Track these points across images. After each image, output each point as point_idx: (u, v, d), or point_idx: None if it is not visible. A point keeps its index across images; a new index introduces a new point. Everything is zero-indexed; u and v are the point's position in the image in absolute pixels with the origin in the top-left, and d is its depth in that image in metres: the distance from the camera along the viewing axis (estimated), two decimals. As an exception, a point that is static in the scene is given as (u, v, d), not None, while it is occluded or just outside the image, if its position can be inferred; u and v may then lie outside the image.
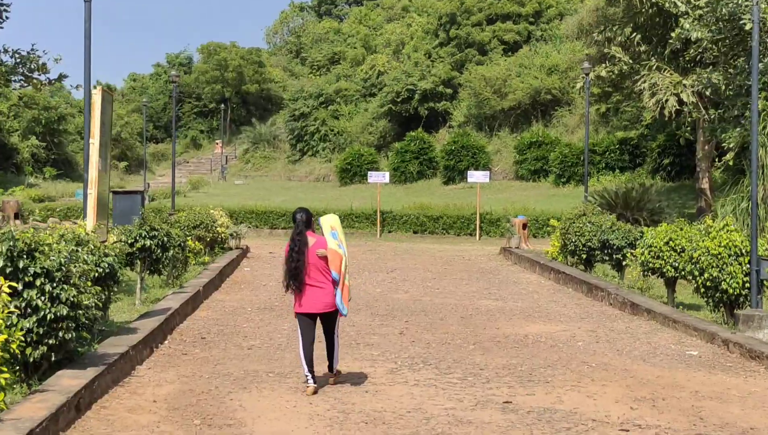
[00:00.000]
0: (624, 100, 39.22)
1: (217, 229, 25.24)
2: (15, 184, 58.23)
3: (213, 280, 19.85)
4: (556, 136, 55.59)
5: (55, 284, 9.35)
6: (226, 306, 17.49)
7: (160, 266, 16.88)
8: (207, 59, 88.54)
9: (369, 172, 41.61)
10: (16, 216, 39.04)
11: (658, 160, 47.13)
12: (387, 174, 41.44)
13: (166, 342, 13.30)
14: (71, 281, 9.49)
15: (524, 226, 31.40)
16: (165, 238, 16.71)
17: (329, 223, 10.50)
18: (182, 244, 18.70)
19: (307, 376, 10.27)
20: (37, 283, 9.20)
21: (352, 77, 76.60)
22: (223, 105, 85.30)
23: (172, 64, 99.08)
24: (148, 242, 16.32)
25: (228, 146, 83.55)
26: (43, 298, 9.19)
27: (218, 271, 21.13)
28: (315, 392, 10.19)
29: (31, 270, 9.15)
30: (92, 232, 11.82)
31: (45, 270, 9.22)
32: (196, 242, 21.30)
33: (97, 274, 11.30)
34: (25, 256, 9.17)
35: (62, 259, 9.42)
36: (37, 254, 9.26)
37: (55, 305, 9.30)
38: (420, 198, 47.87)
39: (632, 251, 19.23)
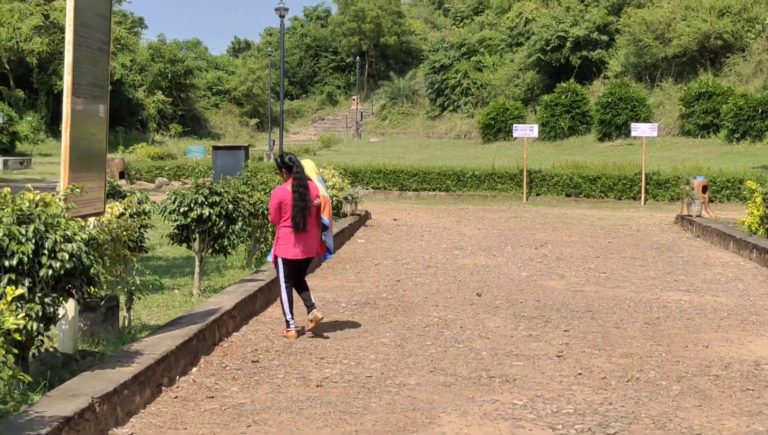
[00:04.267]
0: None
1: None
2: (139, 141, 55.23)
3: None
4: (728, 86, 49.00)
5: None
6: (315, 298, 12.73)
7: (225, 243, 12.28)
8: (344, 10, 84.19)
9: (514, 126, 36.19)
10: (122, 175, 35.52)
11: None
12: (535, 127, 35.90)
13: (194, 369, 8.60)
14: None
15: (704, 188, 25.62)
16: (230, 206, 12.07)
17: (313, 169, 10.68)
18: (263, 211, 14.04)
19: (290, 321, 10.26)
20: None
21: (497, 26, 70.98)
22: (360, 59, 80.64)
23: (309, 17, 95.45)
24: (206, 211, 11.73)
25: (365, 102, 79.06)
26: None
27: (318, 246, 16.40)
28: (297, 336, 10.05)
29: None
30: (61, 198, 7.18)
31: None
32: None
33: (52, 273, 6.65)
34: None
35: None
36: None
37: None
38: (572, 156, 42.31)
39: None
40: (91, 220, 8.30)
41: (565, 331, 10.78)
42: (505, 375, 8.62)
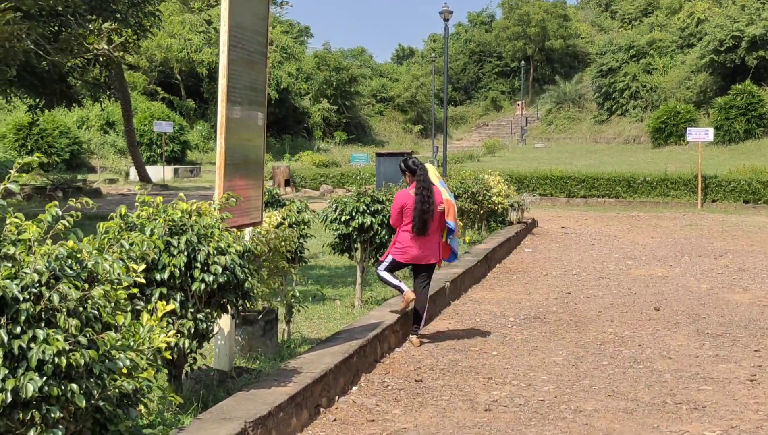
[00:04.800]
0: None
1: (492, 198, 19.85)
2: (305, 148, 55.77)
3: (472, 269, 14.56)
4: None
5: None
6: (480, 312, 12.13)
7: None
8: (508, 14, 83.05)
9: (688, 129, 34.57)
10: (287, 183, 35.80)
11: None
12: (711, 130, 34.14)
13: (354, 389, 8.12)
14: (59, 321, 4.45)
15: None
16: (392, 214, 11.58)
17: (434, 173, 10.37)
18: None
19: (401, 287, 10.08)
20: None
21: (667, 27, 68.65)
22: (524, 63, 79.42)
23: (473, 23, 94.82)
24: (368, 220, 11.30)
25: (529, 107, 77.79)
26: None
27: (483, 256, 15.80)
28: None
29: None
30: (216, 207, 6.82)
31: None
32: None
33: (204, 287, 6.28)
34: None
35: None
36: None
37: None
38: (749, 160, 40.29)
39: None
40: (248, 230, 7.94)
41: (755, 351, 9.84)
42: (692, 401, 7.81)
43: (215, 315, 6.57)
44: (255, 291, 6.93)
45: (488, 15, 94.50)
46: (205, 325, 6.41)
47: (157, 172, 42.08)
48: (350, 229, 11.41)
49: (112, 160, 47.19)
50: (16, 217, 4.61)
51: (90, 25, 11.67)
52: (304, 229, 9.55)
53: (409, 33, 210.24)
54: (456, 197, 17.67)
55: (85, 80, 21.67)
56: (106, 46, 11.23)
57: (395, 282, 10.13)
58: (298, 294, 9.35)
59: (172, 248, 6.28)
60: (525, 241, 20.75)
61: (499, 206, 20.42)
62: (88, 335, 4.35)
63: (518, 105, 77.12)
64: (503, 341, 10.27)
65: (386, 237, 11.46)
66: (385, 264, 10.24)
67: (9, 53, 9.82)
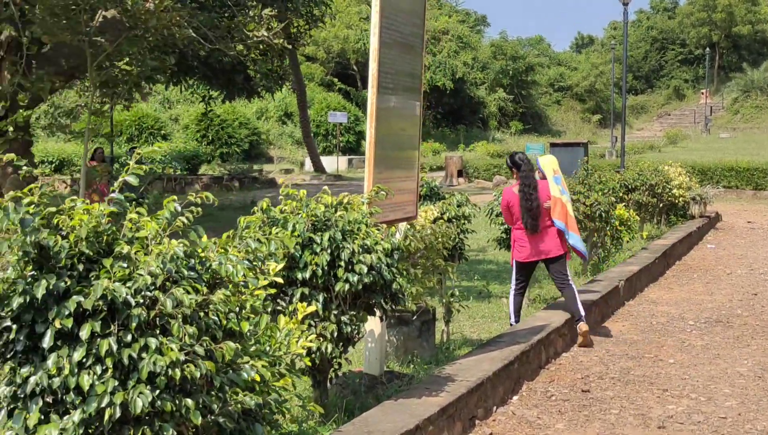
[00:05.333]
0: None
1: (672, 191, 18.76)
2: (480, 139, 55.13)
3: (649, 266, 13.67)
4: None
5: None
6: (656, 313, 11.29)
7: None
8: (693, 0, 79.97)
9: None
10: (460, 173, 35.31)
11: None
12: None
13: (514, 398, 7.51)
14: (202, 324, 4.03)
15: None
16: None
17: (551, 166, 9.80)
18: (600, 214, 12.77)
19: (512, 323, 9.46)
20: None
21: None
22: (709, 50, 76.24)
23: (656, 9, 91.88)
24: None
25: (714, 96, 74.67)
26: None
27: (662, 252, 14.85)
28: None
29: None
30: (365, 201, 6.33)
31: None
32: (630, 211, 15.13)
33: (348, 288, 5.81)
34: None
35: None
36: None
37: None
38: None
39: None
40: (402, 225, 7.45)
41: None
42: None
43: (361, 317, 6.11)
44: (405, 292, 6.42)
45: (671, 1, 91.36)
46: (349, 329, 5.96)
47: (332, 163, 42.32)
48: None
49: (290, 151, 47.79)
50: (137, 212, 4.25)
51: (251, 12, 11.46)
52: (464, 224, 8.99)
53: (589, 21, 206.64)
54: (633, 190, 16.78)
55: (259, 71, 21.74)
56: (266, 34, 10.96)
57: (512, 314, 9.63)
58: (457, 293, 8.83)
59: (314, 245, 5.85)
60: (707, 237, 19.56)
61: (680, 199, 19.31)
62: (205, 345, 3.93)
63: (702, 94, 74.08)
64: (681, 347, 9.44)
65: (555, 232, 10.79)
66: (513, 274, 9.75)
67: (168, 41, 9.72)
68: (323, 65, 57.47)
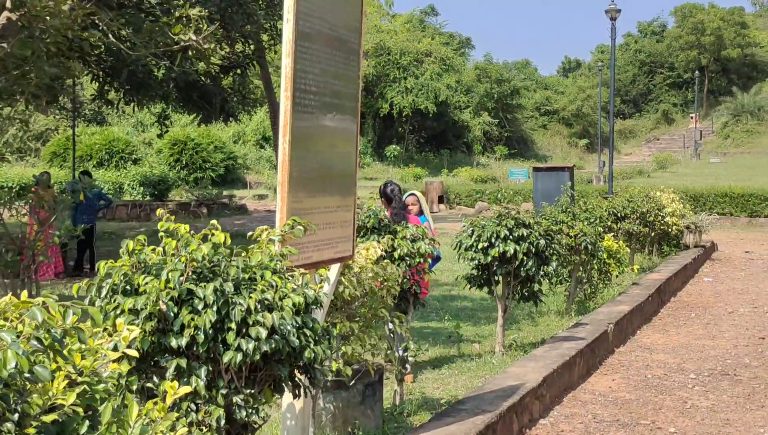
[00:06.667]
0: None
1: (665, 219, 17.24)
2: (464, 164, 53.66)
3: (642, 305, 12.15)
4: None
5: None
6: (652, 364, 9.74)
7: (535, 288, 9.61)
8: (681, 23, 79.02)
9: None
10: (440, 199, 33.86)
11: None
12: None
13: (476, 485, 5.96)
14: None
15: None
16: (541, 241, 9.37)
17: (424, 203, 9.52)
18: (585, 246, 11.26)
19: None
20: None
21: None
22: (698, 74, 75.12)
23: (643, 33, 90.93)
24: (510, 248, 9.13)
25: (704, 120, 73.50)
26: None
27: (656, 288, 13.35)
28: None
29: None
30: (276, 239, 4.77)
31: None
32: (620, 242, 13.61)
33: (242, 359, 4.26)
34: None
35: None
36: None
37: None
38: None
39: None
40: (334, 268, 5.86)
41: None
42: None
43: (262, 396, 4.54)
44: (326, 360, 4.85)
45: (659, 24, 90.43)
46: (244, 413, 4.39)
47: (310, 188, 40.77)
48: (489, 258, 9.28)
49: (267, 176, 46.22)
50: None
51: (176, 13, 9.97)
52: (417, 261, 7.42)
53: (576, 45, 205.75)
54: (623, 218, 15.28)
55: (222, 92, 20.33)
56: (194, 37, 9.51)
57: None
58: (413, 346, 7.28)
59: (195, 301, 4.29)
60: (704, 269, 18.06)
61: (674, 228, 17.80)
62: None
63: (692, 118, 72.88)
64: (683, 410, 7.88)
65: (533, 269, 9.28)
66: None
67: (73, 44, 8.25)
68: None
